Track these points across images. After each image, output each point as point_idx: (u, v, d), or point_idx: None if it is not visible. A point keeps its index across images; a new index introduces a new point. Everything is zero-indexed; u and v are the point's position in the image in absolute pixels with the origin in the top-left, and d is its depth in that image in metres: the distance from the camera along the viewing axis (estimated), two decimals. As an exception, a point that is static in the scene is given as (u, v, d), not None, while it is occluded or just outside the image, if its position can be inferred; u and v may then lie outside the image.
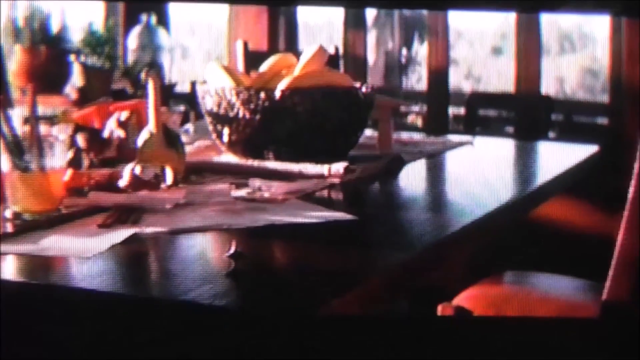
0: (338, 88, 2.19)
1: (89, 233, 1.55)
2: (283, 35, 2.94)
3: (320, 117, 2.12)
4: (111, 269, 1.44)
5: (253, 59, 2.55)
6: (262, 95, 2.10)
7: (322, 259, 1.48)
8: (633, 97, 2.92)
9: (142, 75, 1.81)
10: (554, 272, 2.33)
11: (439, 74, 3.04)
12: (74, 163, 1.86)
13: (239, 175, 2.02)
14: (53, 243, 1.51)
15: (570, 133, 3.37)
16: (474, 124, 3.04)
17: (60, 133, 1.85)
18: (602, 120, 3.42)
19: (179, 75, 2.79)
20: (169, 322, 1.44)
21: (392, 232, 1.69)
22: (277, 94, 2.10)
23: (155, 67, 1.83)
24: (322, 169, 2.03)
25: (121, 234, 1.54)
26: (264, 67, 2.29)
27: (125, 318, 1.44)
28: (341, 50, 3.05)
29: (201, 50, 2.84)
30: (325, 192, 1.94)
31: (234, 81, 2.19)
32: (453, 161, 2.48)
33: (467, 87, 3.46)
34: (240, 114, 2.12)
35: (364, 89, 2.21)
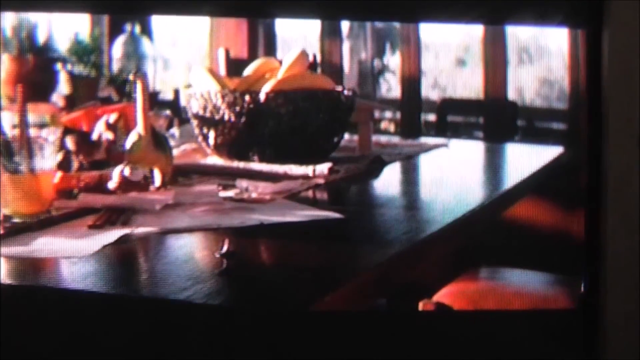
0: (320, 90, 2.11)
1: (79, 234, 1.50)
2: (262, 45, 2.86)
3: (303, 118, 2.05)
4: (103, 269, 1.37)
5: (234, 66, 2.47)
6: (247, 98, 2.02)
7: (312, 257, 1.46)
8: (589, 103, 2.88)
9: (131, 77, 1.73)
10: (526, 268, 2.28)
11: (411, 82, 2.99)
12: (64, 165, 1.78)
13: (226, 176, 1.95)
14: (44, 245, 1.47)
15: (532, 137, 3.33)
16: (445, 129, 3.00)
17: (49, 135, 1.75)
18: (559, 125, 3.38)
19: (161, 85, 2.69)
20: (163, 322, 1.37)
21: (377, 229, 1.65)
22: (262, 96, 2.02)
23: (142, 71, 1.75)
24: (307, 169, 1.98)
25: (112, 235, 1.48)
26: (247, 71, 2.20)
27: (118, 318, 1.38)
28: (319, 59, 3.00)
29: (183, 60, 2.74)
30: (310, 192, 1.87)
31: (219, 84, 2.10)
32: (430, 162, 2.43)
33: (434, 95, 3.40)
34: (226, 117, 2.03)
35: (345, 93, 2.14)
